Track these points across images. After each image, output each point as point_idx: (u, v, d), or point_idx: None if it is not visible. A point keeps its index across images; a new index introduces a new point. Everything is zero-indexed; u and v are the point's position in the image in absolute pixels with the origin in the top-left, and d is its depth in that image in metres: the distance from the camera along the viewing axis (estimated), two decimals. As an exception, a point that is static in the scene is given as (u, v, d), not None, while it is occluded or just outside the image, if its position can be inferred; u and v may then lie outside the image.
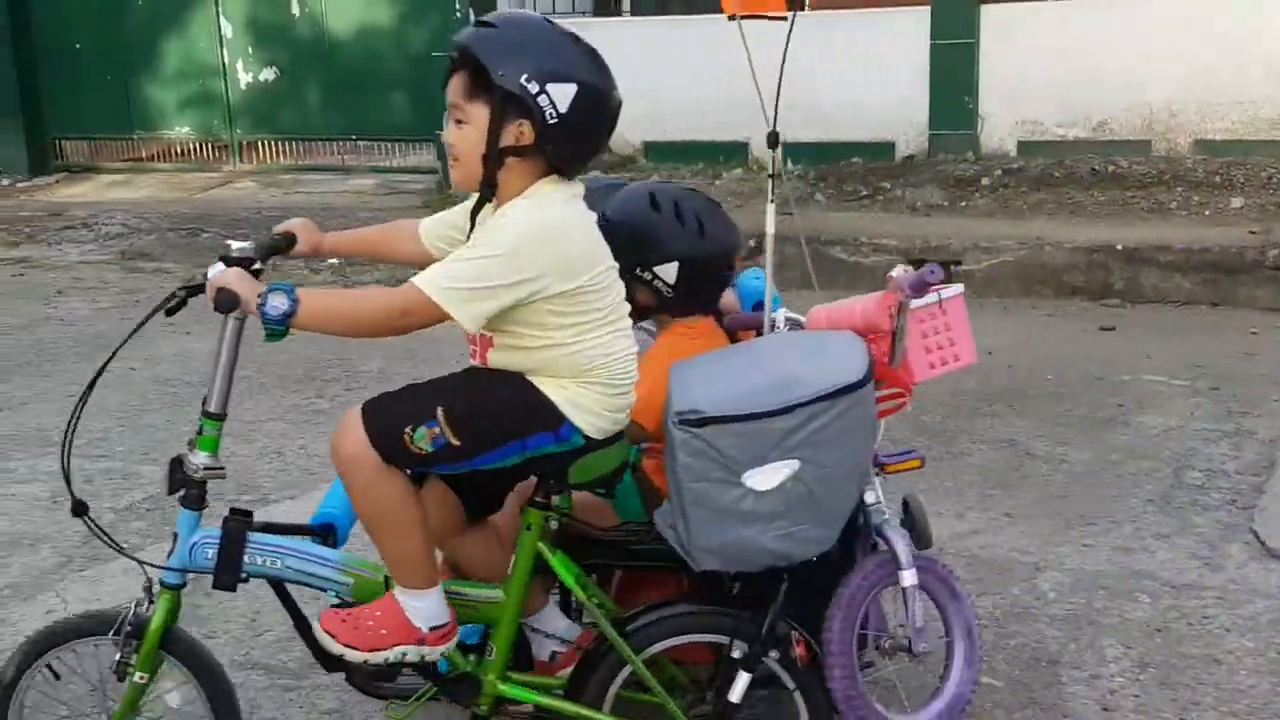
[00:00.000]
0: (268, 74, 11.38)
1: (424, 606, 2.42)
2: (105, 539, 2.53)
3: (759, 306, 2.89)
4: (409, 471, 2.39)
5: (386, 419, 2.34)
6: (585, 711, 2.51)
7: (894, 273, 2.53)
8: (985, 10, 9.04)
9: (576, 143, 2.34)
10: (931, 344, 2.67)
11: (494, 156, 2.31)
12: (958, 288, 2.73)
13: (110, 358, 2.43)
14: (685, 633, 2.54)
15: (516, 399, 2.36)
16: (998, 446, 4.93)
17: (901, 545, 2.57)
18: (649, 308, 2.80)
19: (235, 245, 2.46)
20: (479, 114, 2.30)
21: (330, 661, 2.54)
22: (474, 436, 2.35)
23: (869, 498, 2.62)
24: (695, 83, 9.63)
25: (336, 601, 2.49)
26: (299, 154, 11.81)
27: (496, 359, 2.41)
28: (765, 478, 2.32)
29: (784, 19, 3.06)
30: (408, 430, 2.32)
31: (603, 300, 2.36)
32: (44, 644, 2.60)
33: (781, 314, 2.79)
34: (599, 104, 2.33)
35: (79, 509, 2.47)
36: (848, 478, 2.40)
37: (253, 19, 11.37)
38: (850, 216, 8.47)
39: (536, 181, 2.34)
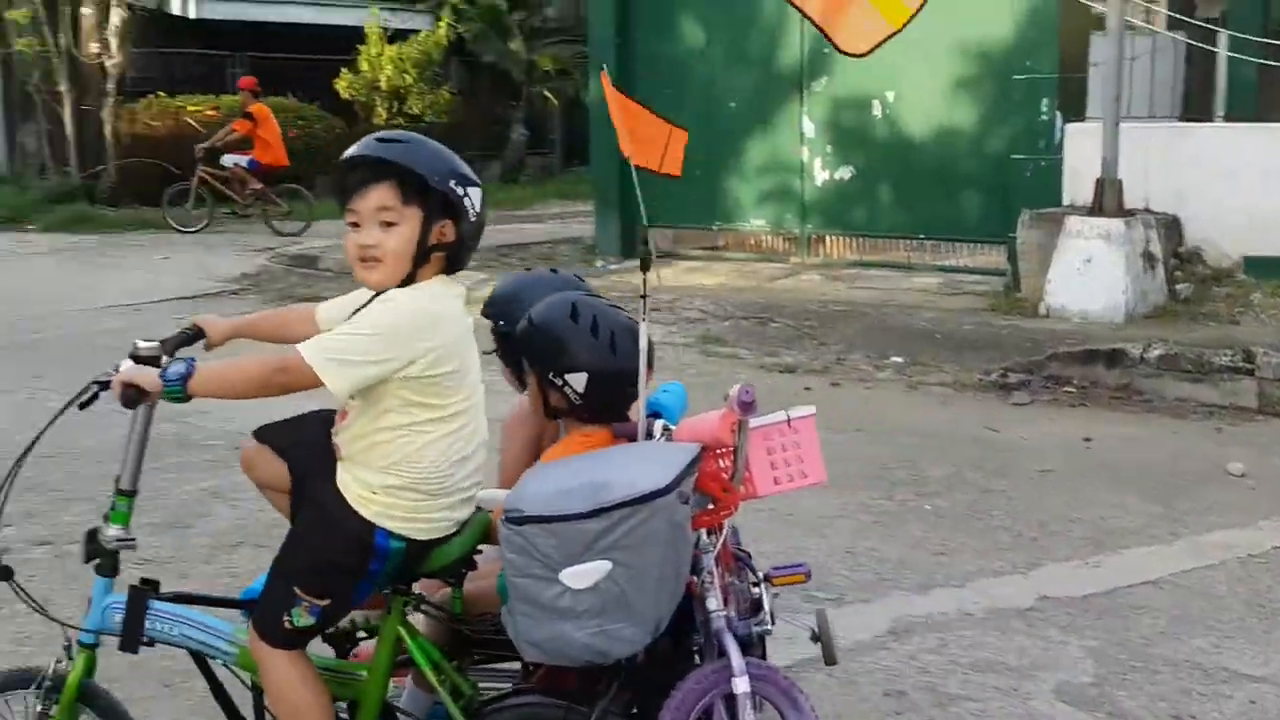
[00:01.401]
0: (843, 172, 11.69)
1: None
2: (29, 601, 2.77)
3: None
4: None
5: (268, 621, 2.68)
6: None
7: (731, 391, 2.62)
8: None
9: (476, 239, 2.69)
10: (778, 460, 2.76)
11: (422, 255, 2.61)
12: (809, 409, 2.81)
13: (34, 442, 2.68)
14: None
15: (338, 538, 2.64)
16: None
17: (735, 652, 2.60)
18: (560, 410, 2.89)
19: (143, 344, 2.74)
20: (412, 216, 2.59)
21: None
22: (334, 592, 2.65)
23: (711, 604, 2.65)
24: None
25: None
26: (864, 249, 12.02)
27: (345, 434, 2.69)
28: (580, 577, 2.42)
29: (677, 178, 3.23)
30: (286, 620, 2.65)
31: (445, 399, 2.61)
32: None
33: (659, 425, 2.83)
34: (485, 206, 2.69)
35: (4, 574, 2.75)
36: (661, 581, 2.47)
37: (835, 120, 11.75)
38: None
39: (429, 277, 2.64)
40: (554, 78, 20.77)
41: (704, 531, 2.70)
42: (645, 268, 2.83)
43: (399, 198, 2.59)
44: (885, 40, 3.27)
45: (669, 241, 13.22)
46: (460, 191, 2.62)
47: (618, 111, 2.97)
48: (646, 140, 3.02)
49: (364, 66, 19.54)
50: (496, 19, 20.93)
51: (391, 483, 2.63)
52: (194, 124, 17.87)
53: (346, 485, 2.66)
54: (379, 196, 2.60)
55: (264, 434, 2.95)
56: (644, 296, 2.80)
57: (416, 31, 20.33)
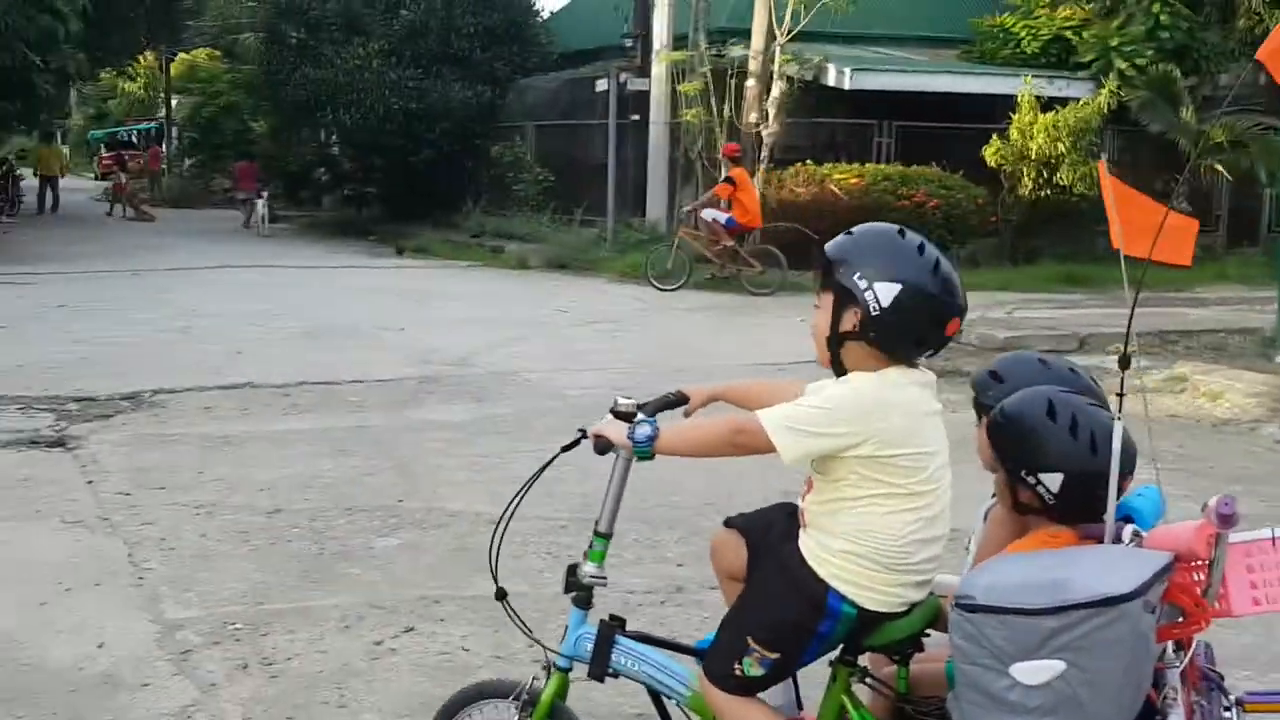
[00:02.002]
0: None
1: None
2: (518, 623, 3.12)
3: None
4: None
5: (719, 669, 2.84)
6: None
7: (1210, 501, 2.49)
8: None
9: (895, 332, 2.73)
10: (1258, 579, 2.58)
11: (834, 339, 2.80)
12: None
13: (530, 481, 3.08)
14: None
15: (793, 594, 2.78)
16: None
17: None
18: (1030, 508, 2.82)
19: (623, 401, 2.99)
20: (826, 302, 2.80)
21: None
22: (784, 646, 2.79)
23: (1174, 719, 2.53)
24: None
25: None
26: None
27: (809, 500, 2.85)
28: (1032, 673, 2.39)
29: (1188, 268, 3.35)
30: (736, 667, 2.79)
31: (903, 479, 2.72)
32: (462, 700, 3.29)
33: (1129, 530, 2.70)
34: (921, 303, 2.71)
35: (500, 595, 3.10)
36: (1119, 690, 2.41)
37: None
38: None
39: (884, 366, 2.76)
40: (1226, 150, 18.84)
41: (1170, 645, 2.62)
42: (1124, 365, 2.73)
43: (821, 283, 2.83)
44: None
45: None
46: (863, 285, 2.73)
47: (1114, 201, 2.96)
48: (1148, 230, 2.89)
49: (1014, 135, 18.85)
50: (1167, 86, 19.37)
51: (848, 548, 2.76)
52: (837, 191, 18.11)
53: (807, 546, 2.83)
54: (820, 279, 2.85)
55: (733, 521, 3.18)
56: (1120, 395, 2.70)
57: (1074, 99, 19.32)
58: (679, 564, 5.63)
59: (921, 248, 2.76)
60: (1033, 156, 18.78)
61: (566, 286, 17.38)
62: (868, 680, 2.92)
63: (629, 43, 21.76)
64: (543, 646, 3.14)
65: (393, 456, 7.65)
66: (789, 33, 18.32)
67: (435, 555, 5.81)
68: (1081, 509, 2.76)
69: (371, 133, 25.17)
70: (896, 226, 2.84)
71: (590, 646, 3.05)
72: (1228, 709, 2.69)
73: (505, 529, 3.05)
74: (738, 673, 2.82)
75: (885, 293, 2.70)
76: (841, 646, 2.87)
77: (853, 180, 18.32)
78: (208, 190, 37.50)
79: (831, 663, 2.90)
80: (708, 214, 17.12)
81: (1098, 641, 2.36)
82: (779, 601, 2.82)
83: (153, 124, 47.51)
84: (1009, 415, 2.82)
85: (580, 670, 3.12)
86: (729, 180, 17.08)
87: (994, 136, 18.90)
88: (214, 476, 7.12)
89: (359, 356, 11.26)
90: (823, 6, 18.05)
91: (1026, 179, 18.99)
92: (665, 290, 16.90)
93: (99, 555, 5.76)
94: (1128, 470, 2.78)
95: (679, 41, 20.04)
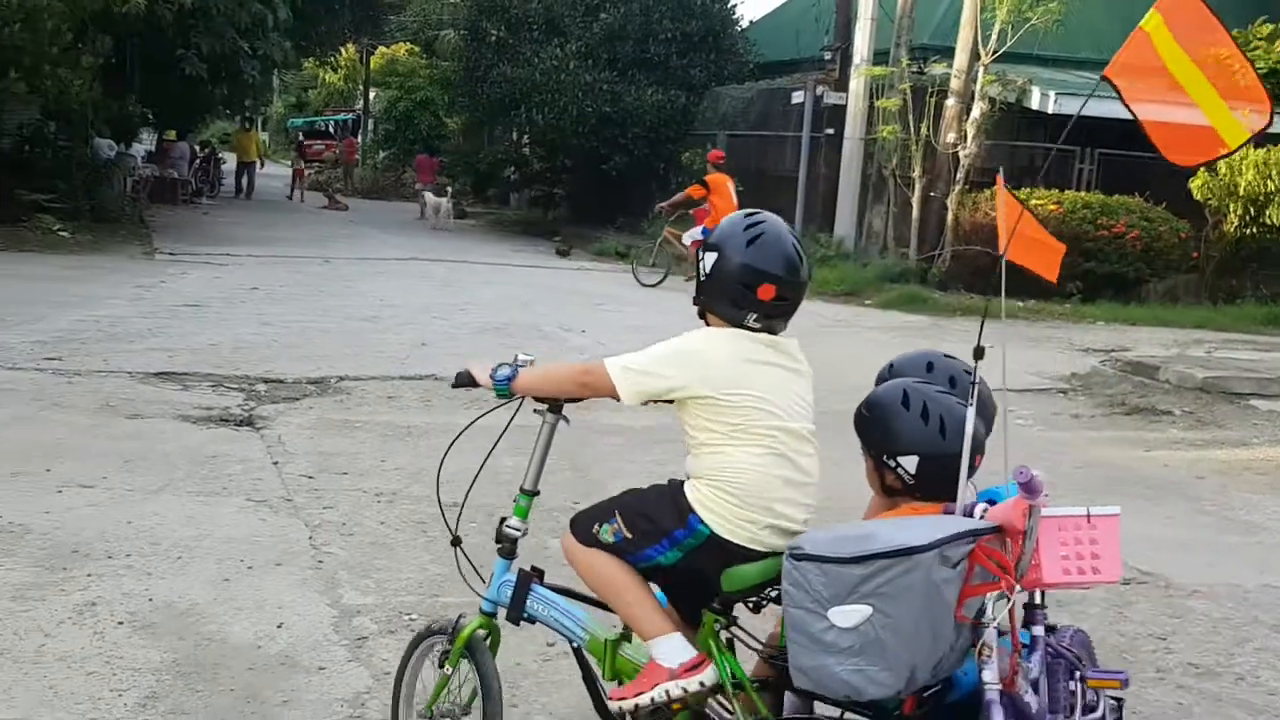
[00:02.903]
0: None
1: (666, 649, 3.11)
2: (460, 568, 3.48)
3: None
4: None
5: (582, 522, 3.28)
6: None
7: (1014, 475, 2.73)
8: None
9: (716, 298, 3.16)
10: (1070, 551, 2.84)
11: (700, 300, 3.24)
12: (1113, 509, 2.88)
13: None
14: None
15: (665, 500, 3.15)
16: None
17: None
18: (895, 489, 3.15)
19: (522, 357, 3.40)
20: None
21: (606, 713, 3.36)
22: (639, 531, 3.15)
23: (986, 675, 2.76)
24: None
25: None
26: None
27: (688, 460, 3.19)
28: (845, 616, 2.66)
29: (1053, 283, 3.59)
30: (596, 526, 3.23)
31: (738, 419, 3.05)
32: (421, 636, 3.64)
33: (980, 507, 2.94)
34: (730, 269, 3.10)
35: (455, 542, 3.53)
36: (914, 634, 2.67)
37: None
38: None
39: (725, 328, 3.15)
40: None
41: (991, 607, 2.78)
42: (978, 357, 3.02)
43: None
44: (1217, 159, 3.16)
45: None
46: (701, 257, 3.17)
47: (1006, 214, 3.22)
48: (1028, 244, 3.23)
49: (1222, 169, 17.94)
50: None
51: (709, 482, 3.08)
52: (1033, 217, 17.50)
53: (688, 485, 3.14)
54: None
55: None
56: (973, 384, 3.01)
57: (1289, 135, 18.31)
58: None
59: (750, 226, 3.11)
60: (1241, 192, 17.85)
61: (748, 298, 17.19)
62: (733, 629, 3.19)
63: (828, 56, 21.45)
64: (477, 594, 3.50)
65: (571, 458, 7.60)
66: (994, 53, 17.79)
67: (610, 562, 5.72)
68: (940, 488, 3.05)
69: (564, 134, 25.45)
70: (751, 211, 3.21)
71: (509, 593, 3.40)
72: (1075, 685, 2.97)
73: (471, 486, 3.56)
74: (594, 531, 3.21)
75: (708, 261, 3.15)
76: (717, 599, 3.14)
77: (1051, 207, 17.66)
78: (399, 182, 38.50)
79: (703, 611, 3.18)
80: (687, 238, 17.75)
81: (898, 588, 2.64)
82: (655, 499, 3.18)
83: (349, 115, 49.13)
84: (869, 405, 3.19)
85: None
86: (702, 183, 17.92)
87: (1200, 169, 18.01)
88: (395, 465, 7.21)
89: (540, 356, 11.26)
90: (1030, 27, 17.48)
91: (1233, 215, 18.05)
92: (647, 285, 17.77)
93: (281, 536, 5.86)
94: (976, 450, 3.06)
95: (879, 57, 19.64)
